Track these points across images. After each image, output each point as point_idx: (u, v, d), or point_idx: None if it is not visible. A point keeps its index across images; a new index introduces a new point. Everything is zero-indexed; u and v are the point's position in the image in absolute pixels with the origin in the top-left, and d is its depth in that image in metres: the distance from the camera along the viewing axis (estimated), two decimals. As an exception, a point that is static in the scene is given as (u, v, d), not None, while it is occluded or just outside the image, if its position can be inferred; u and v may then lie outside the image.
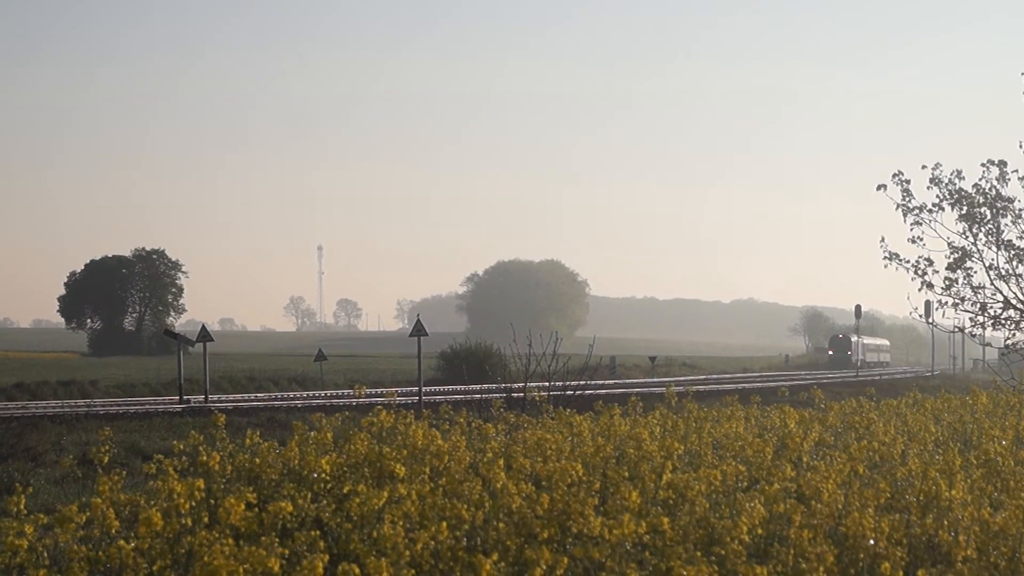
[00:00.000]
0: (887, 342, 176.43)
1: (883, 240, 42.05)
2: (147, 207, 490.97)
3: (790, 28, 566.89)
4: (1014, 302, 42.24)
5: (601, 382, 57.18)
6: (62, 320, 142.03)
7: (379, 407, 12.70)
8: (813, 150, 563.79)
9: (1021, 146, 40.76)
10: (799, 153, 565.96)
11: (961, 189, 41.50)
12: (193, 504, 8.71)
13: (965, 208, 41.45)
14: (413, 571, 7.96)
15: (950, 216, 41.86)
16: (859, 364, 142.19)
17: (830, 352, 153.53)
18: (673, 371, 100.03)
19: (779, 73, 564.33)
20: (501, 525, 8.84)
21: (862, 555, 9.15)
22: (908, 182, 41.86)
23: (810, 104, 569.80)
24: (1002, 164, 41.29)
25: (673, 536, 8.75)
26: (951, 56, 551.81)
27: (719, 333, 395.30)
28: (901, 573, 8.84)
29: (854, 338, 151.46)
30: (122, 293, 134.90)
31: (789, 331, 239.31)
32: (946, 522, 9.68)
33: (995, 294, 42.37)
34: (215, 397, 50.08)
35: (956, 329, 49.35)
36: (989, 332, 45.31)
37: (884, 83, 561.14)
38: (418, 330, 46.30)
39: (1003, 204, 41.50)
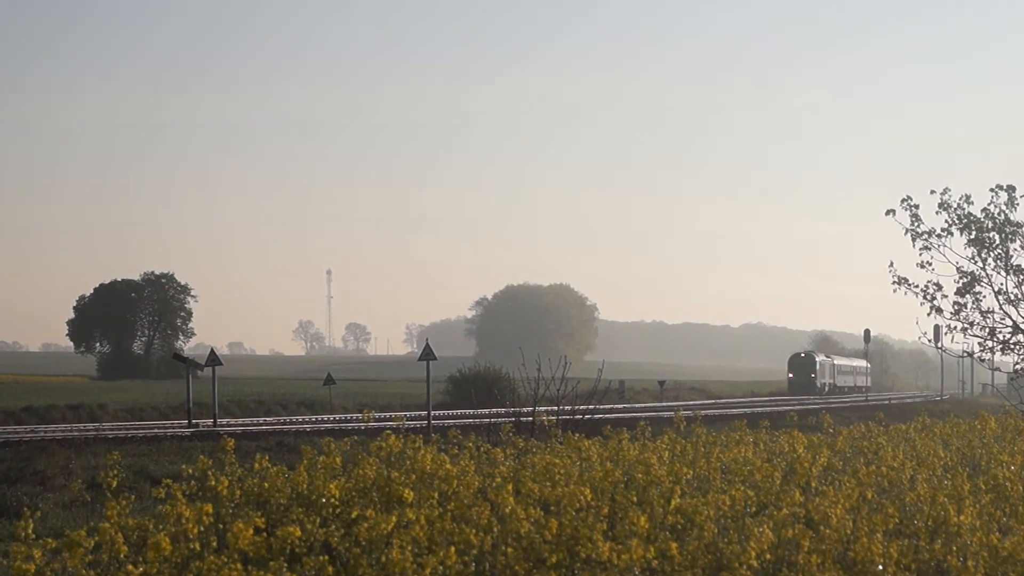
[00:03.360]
0: (865, 363, 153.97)
1: (892, 265, 42.08)
2: (156, 231, 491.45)
3: (802, 50, 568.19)
4: (1023, 327, 42.22)
5: (610, 406, 57.10)
6: (71, 344, 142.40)
7: (388, 431, 12.70)
8: (823, 174, 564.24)
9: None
10: (809, 177, 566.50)
11: (970, 214, 41.53)
12: (202, 529, 8.72)
13: (974, 233, 41.46)
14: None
15: (959, 241, 41.89)
16: (827, 389, 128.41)
17: (790, 375, 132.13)
18: (682, 395, 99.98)
19: (788, 95, 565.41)
20: (510, 550, 8.84)
21: (871, 580, 9.14)
22: (917, 207, 41.91)
23: (820, 127, 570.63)
24: (1011, 189, 41.34)
25: (682, 561, 8.75)
26: (962, 80, 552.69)
27: (728, 357, 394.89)
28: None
29: (819, 358, 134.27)
30: (131, 317, 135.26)
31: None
32: (955, 547, 9.68)
33: (1004, 319, 42.37)
34: (224, 421, 50.13)
35: (965, 354, 49.31)
36: (998, 357, 45.31)
37: (894, 107, 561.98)
38: (427, 354, 46.35)
39: (1012, 229, 41.51)
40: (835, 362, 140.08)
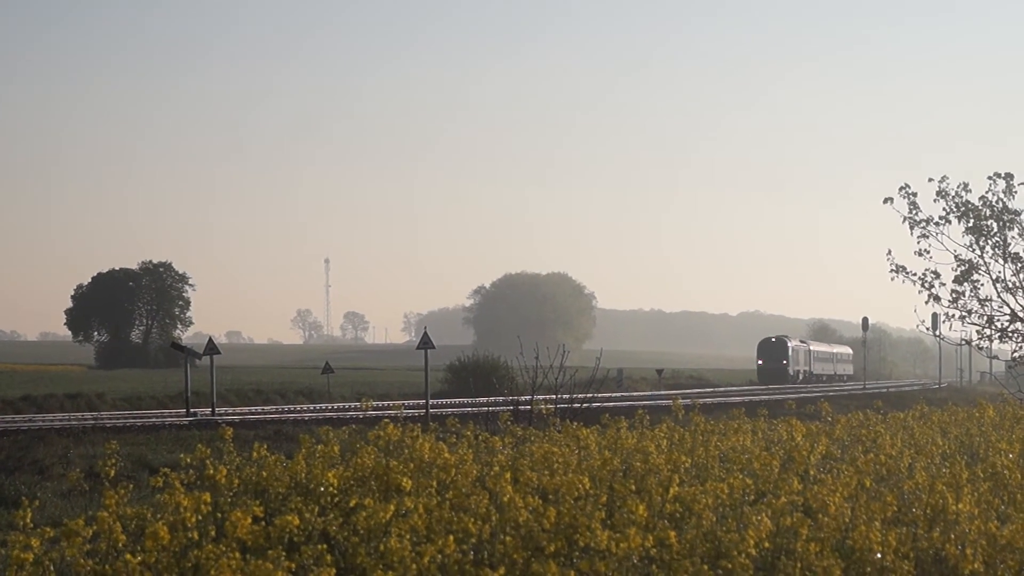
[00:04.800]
0: (848, 350, 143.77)
1: (890, 253, 42.11)
2: (154, 220, 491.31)
3: (798, 39, 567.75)
4: (1021, 315, 42.24)
5: (608, 395, 57.13)
6: (69, 333, 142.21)
7: (386, 420, 12.71)
8: (820, 162, 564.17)
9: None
10: (806, 165, 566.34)
11: (968, 202, 41.57)
12: (200, 518, 8.72)
13: (972, 221, 41.49)
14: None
15: (957, 229, 41.93)
16: (800, 377, 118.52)
17: (759, 362, 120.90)
18: (680, 384, 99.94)
19: (786, 84, 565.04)
20: (508, 539, 8.84)
21: (869, 568, 9.15)
22: (915, 195, 41.96)
23: (817, 116, 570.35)
24: (1009, 177, 41.37)
25: (680, 550, 8.75)
26: (960, 67, 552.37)
27: (726, 345, 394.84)
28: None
29: (791, 343, 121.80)
30: (129, 306, 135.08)
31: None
32: (953, 535, 9.69)
33: (1002, 307, 42.42)
34: (222, 410, 50.10)
35: (963, 342, 49.34)
36: (996, 345, 45.36)
37: (892, 96, 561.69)
38: (425, 343, 46.36)
39: (1010, 217, 41.55)
40: (811, 348, 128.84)
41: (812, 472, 12.64)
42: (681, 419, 17.42)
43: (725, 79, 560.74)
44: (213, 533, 8.84)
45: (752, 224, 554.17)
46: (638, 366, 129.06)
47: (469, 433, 14.44)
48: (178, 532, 8.53)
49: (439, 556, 8.31)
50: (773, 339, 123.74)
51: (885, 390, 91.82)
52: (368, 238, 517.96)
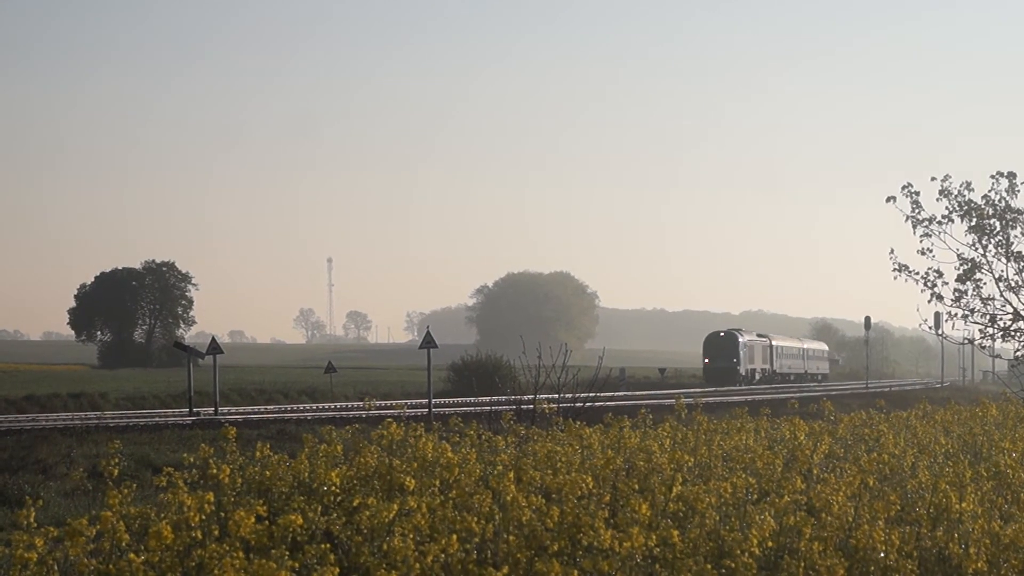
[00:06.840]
0: (823, 346, 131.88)
1: (892, 252, 42.11)
2: (157, 219, 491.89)
3: (800, 36, 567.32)
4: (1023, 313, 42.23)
5: (611, 394, 57.04)
6: (72, 332, 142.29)
7: (389, 419, 12.70)
8: (823, 161, 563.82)
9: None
10: (809, 164, 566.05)
11: (970, 201, 41.57)
12: (203, 517, 8.71)
13: (974, 220, 41.49)
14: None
15: (959, 228, 41.94)
16: (757, 377, 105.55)
17: (705, 360, 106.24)
18: (683, 383, 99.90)
19: (789, 83, 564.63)
20: (511, 538, 8.84)
21: (872, 568, 9.15)
22: (917, 194, 41.99)
23: (820, 114, 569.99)
24: (1011, 176, 41.36)
25: (683, 549, 8.75)
26: (962, 66, 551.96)
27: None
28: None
29: (743, 338, 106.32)
30: (132, 305, 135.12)
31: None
32: (956, 535, 9.69)
33: (1005, 306, 42.44)
34: (225, 409, 50.11)
35: (966, 341, 49.36)
36: (999, 344, 45.38)
37: (894, 93, 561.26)
38: (428, 342, 46.36)
39: (1012, 216, 41.55)
40: (773, 343, 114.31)
41: (815, 471, 12.63)
42: (684, 418, 17.40)
43: (730, 76, 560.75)
44: (216, 532, 8.84)
45: (755, 223, 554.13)
46: (641, 365, 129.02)
47: (472, 432, 14.43)
48: (182, 531, 8.53)
49: (442, 555, 8.31)
50: (721, 333, 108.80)
51: (888, 389, 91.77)
52: (370, 237, 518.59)
